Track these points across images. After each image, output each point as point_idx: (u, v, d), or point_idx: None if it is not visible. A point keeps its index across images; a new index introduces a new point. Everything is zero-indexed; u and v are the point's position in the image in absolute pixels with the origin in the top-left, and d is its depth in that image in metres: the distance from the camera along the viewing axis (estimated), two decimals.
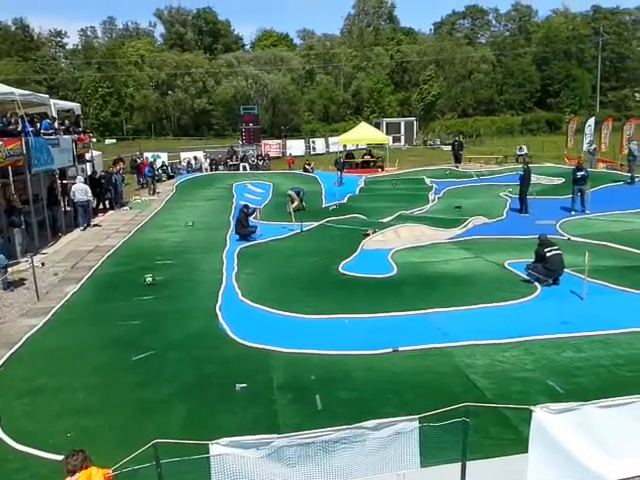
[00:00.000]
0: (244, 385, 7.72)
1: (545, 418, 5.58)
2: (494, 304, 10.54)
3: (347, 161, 32.83)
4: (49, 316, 10.82)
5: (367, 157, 34.66)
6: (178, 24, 74.68)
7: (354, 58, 66.99)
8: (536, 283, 11.56)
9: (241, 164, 34.68)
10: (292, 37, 79.05)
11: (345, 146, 35.79)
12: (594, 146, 29.64)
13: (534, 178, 21.69)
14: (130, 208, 23.54)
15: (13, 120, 15.88)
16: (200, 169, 33.81)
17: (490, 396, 7.23)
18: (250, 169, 34.03)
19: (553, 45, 66.65)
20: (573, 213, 19.24)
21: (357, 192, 25.72)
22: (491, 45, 73.28)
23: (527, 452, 5.68)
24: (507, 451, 5.91)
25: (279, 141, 44.43)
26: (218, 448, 5.04)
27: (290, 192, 21.36)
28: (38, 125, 17.70)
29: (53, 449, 6.24)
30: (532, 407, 5.62)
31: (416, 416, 5.39)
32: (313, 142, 45.04)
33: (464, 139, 40.25)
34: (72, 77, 65.78)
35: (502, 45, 71.99)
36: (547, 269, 11.55)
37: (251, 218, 17.80)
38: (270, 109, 60.93)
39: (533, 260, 11.93)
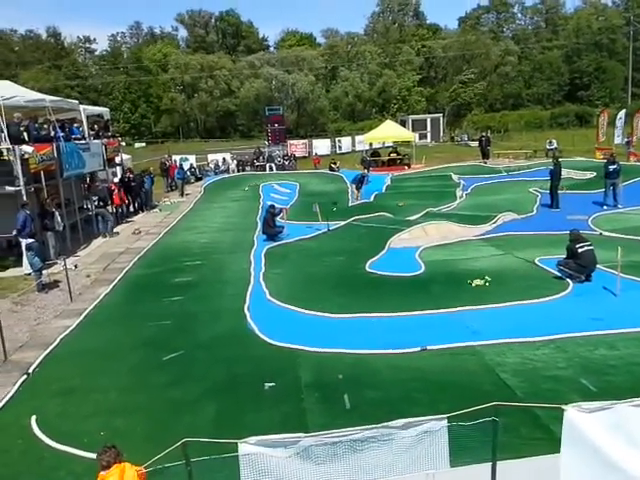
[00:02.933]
0: (272, 384, 7.78)
1: (578, 417, 5.46)
2: (525, 301, 10.38)
3: (373, 159, 32.67)
4: (82, 317, 11.06)
5: (393, 155, 34.51)
6: (200, 27, 75.49)
7: (379, 56, 66.61)
8: (568, 280, 11.35)
9: (267, 164, 34.88)
10: (316, 37, 79.10)
11: (371, 144, 35.65)
12: (628, 139, 29.03)
13: (564, 172, 21.30)
14: (160, 210, 23.92)
15: (45, 126, 16.30)
16: (227, 170, 34.13)
17: (521, 395, 7.12)
18: (276, 169, 34.21)
19: (584, 37, 65.03)
20: (605, 208, 18.83)
21: (384, 190, 25.62)
22: (516, 39, 71.85)
23: (559, 452, 5.58)
24: (538, 451, 5.80)
25: (305, 141, 44.45)
26: (247, 447, 5.07)
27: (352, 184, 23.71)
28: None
29: (87, 447, 6.35)
30: (564, 406, 5.50)
31: (445, 415, 5.33)
32: (339, 141, 44.93)
33: (492, 134, 39.69)
34: (103, 82, 67.01)
35: (527, 38, 70.57)
36: (579, 265, 11.32)
37: (278, 218, 17.87)
38: (295, 109, 61.08)
39: (565, 256, 11.72)
